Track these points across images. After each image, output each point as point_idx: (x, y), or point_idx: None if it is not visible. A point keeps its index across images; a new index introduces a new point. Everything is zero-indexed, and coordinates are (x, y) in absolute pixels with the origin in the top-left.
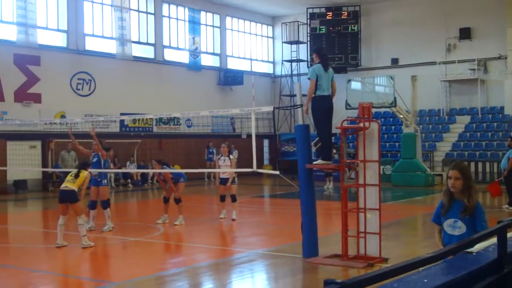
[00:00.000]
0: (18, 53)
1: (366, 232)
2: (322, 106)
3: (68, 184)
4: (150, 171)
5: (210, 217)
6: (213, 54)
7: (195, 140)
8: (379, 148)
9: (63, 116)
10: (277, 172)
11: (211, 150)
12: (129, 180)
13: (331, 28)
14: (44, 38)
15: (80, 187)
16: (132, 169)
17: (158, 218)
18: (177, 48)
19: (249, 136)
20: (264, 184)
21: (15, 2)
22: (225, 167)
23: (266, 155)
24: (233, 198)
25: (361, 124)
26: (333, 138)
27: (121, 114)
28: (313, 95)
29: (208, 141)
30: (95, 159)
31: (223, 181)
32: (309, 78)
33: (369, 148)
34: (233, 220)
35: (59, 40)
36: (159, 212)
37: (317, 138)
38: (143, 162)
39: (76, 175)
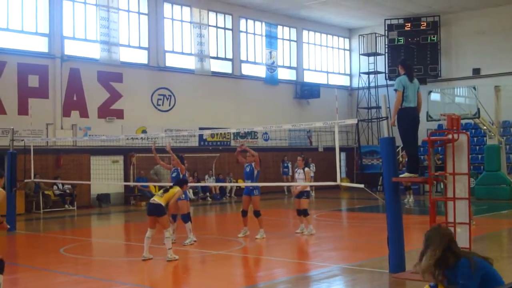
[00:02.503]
0: (101, 70)
1: None
2: (409, 117)
3: (156, 198)
4: (228, 184)
5: (289, 231)
6: (290, 67)
7: (272, 153)
8: (468, 161)
9: (144, 131)
10: (362, 186)
11: (286, 164)
12: (207, 194)
13: (409, 39)
14: (126, 55)
15: (168, 202)
16: (210, 182)
17: (239, 231)
18: (254, 63)
19: (326, 149)
20: (342, 197)
21: (99, 21)
22: (300, 180)
23: (343, 168)
24: (303, 213)
25: (450, 136)
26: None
27: (200, 128)
28: (399, 107)
29: (284, 155)
30: (174, 174)
31: (298, 195)
32: (395, 90)
33: (458, 160)
34: (311, 234)
35: (141, 57)
36: (239, 226)
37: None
38: (221, 176)
39: (166, 190)
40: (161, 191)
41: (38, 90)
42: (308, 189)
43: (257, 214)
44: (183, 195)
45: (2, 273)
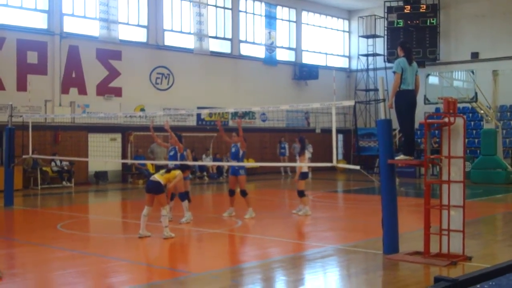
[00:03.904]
0: (100, 48)
1: (450, 229)
2: (406, 100)
3: (157, 176)
4: (225, 164)
5: (284, 211)
6: (289, 48)
7: (270, 134)
8: (464, 144)
9: (142, 110)
10: (358, 167)
11: (283, 145)
12: (205, 173)
13: (409, 22)
14: (125, 33)
15: (167, 184)
16: (208, 162)
17: (225, 211)
18: (253, 43)
19: (323, 131)
20: (338, 179)
21: None
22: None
23: (340, 150)
24: (299, 194)
25: (446, 119)
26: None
27: (198, 107)
28: (397, 89)
29: (281, 136)
30: (172, 153)
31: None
32: (394, 72)
33: (454, 144)
34: (306, 215)
35: (140, 36)
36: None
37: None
38: (218, 155)
39: (168, 170)
40: (163, 170)
41: (37, 66)
42: (306, 170)
43: (243, 193)
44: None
45: None
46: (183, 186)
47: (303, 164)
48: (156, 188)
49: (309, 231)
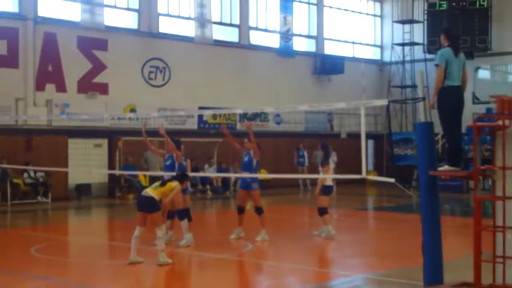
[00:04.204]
0: (82, 35)
1: (505, 256)
2: (451, 99)
3: (150, 190)
4: (232, 175)
5: (303, 232)
6: (308, 37)
7: (285, 140)
8: None
9: (133, 110)
10: (392, 180)
11: (301, 153)
12: (207, 186)
13: (454, 4)
14: (112, 18)
15: (162, 199)
16: (211, 172)
17: (232, 232)
18: (266, 30)
19: (349, 135)
20: (368, 194)
21: None
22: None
23: (370, 159)
24: (321, 211)
25: (500, 122)
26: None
27: (200, 108)
28: (441, 86)
29: (299, 142)
30: (168, 162)
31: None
32: (436, 65)
33: (510, 152)
34: (329, 238)
35: (129, 21)
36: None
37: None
38: (224, 165)
39: (163, 183)
40: (158, 182)
41: (6, 58)
42: (330, 183)
43: (259, 211)
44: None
45: None
46: (182, 202)
47: (327, 176)
48: (149, 205)
49: (332, 257)
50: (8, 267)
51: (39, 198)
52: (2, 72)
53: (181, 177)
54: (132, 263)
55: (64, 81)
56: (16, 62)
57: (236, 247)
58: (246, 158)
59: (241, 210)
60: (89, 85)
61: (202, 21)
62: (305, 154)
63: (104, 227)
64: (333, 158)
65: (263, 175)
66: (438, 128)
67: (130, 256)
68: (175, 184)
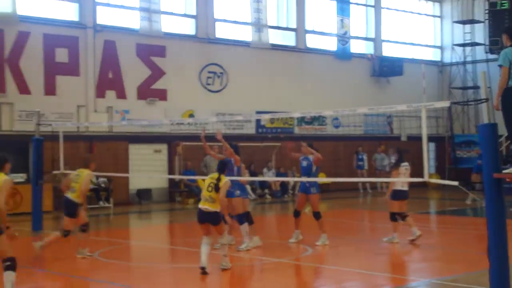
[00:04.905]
0: (141, 43)
1: None
2: None
3: (207, 205)
4: (291, 179)
5: (365, 236)
6: (366, 39)
7: (344, 143)
8: None
9: (191, 115)
10: (455, 183)
11: (360, 157)
12: (266, 190)
13: None
14: (170, 25)
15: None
16: (269, 177)
17: (290, 236)
18: (323, 33)
19: (410, 138)
20: (430, 197)
21: None
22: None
23: (432, 162)
24: (391, 217)
25: None
26: None
27: (257, 112)
28: (505, 87)
29: (358, 145)
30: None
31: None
32: (499, 65)
33: None
34: (392, 243)
35: (187, 27)
36: (303, 229)
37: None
38: (282, 169)
39: (217, 188)
40: (209, 192)
41: (68, 66)
42: (403, 187)
43: (317, 216)
44: (238, 191)
45: (15, 270)
46: (242, 206)
47: (392, 179)
48: (212, 219)
49: (396, 262)
50: (72, 271)
51: (101, 203)
52: (64, 80)
53: (221, 167)
54: (204, 268)
55: (123, 88)
56: (77, 70)
57: (295, 251)
58: (304, 163)
59: (297, 213)
60: (148, 91)
61: (259, 25)
62: (365, 157)
63: (165, 231)
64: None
65: (322, 178)
66: (502, 130)
67: (200, 262)
68: (224, 181)
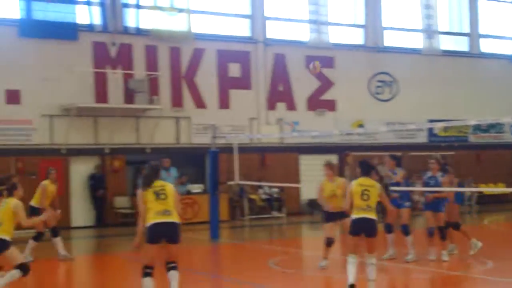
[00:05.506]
0: (310, 54)
1: None
2: None
3: (368, 214)
4: (467, 189)
5: None
6: None
7: None
8: None
9: (360, 126)
10: None
11: None
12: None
13: None
14: (338, 36)
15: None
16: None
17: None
18: (499, 37)
19: None
20: None
21: None
22: None
23: None
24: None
25: None
26: None
27: (429, 121)
28: None
29: None
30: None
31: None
32: None
33: None
34: None
35: (355, 37)
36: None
37: None
38: (457, 179)
39: (367, 196)
40: (364, 201)
41: (240, 80)
42: None
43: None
44: (408, 202)
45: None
46: (407, 217)
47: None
48: (372, 228)
49: None
50: (248, 278)
51: (274, 213)
52: (237, 94)
53: (366, 170)
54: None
55: (293, 100)
56: (249, 84)
57: (471, 264)
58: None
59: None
60: (318, 103)
61: (430, 32)
62: None
63: (337, 241)
64: None
65: (500, 189)
66: None
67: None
68: (377, 188)
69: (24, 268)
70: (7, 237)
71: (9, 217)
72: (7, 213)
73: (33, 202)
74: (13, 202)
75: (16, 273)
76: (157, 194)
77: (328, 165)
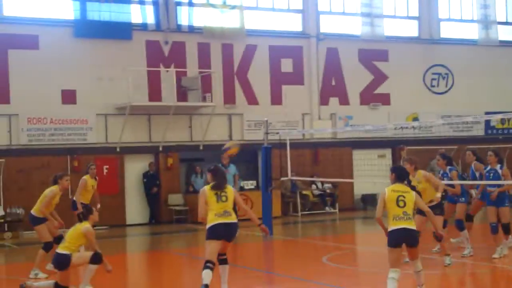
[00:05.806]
0: (363, 48)
1: None
2: None
3: (406, 224)
4: None
5: None
6: None
7: None
8: None
9: (415, 119)
10: None
11: None
12: None
13: None
14: (392, 28)
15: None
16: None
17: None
18: None
19: None
20: None
21: None
22: None
23: None
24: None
25: None
26: None
27: (486, 113)
28: None
29: None
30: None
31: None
32: None
33: None
34: None
35: (409, 29)
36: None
37: None
38: None
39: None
40: (401, 207)
41: (292, 75)
42: None
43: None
44: (463, 198)
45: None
46: (462, 213)
47: None
48: (412, 238)
49: None
50: (301, 274)
51: (327, 208)
52: (289, 89)
53: (401, 175)
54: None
55: (346, 94)
56: (301, 79)
57: None
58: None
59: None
60: (371, 96)
61: (486, 22)
62: None
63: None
64: None
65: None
66: None
67: None
68: (412, 196)
69: (96, 257)
70: (67, 252)
71: (77, 236)
72: (76, 233)
73: (75, 197)
74: (84, 226)
75: (92, 267)
76: (219, 196)
77: (409, 161)
